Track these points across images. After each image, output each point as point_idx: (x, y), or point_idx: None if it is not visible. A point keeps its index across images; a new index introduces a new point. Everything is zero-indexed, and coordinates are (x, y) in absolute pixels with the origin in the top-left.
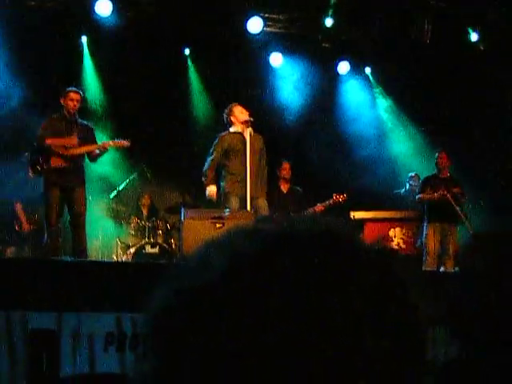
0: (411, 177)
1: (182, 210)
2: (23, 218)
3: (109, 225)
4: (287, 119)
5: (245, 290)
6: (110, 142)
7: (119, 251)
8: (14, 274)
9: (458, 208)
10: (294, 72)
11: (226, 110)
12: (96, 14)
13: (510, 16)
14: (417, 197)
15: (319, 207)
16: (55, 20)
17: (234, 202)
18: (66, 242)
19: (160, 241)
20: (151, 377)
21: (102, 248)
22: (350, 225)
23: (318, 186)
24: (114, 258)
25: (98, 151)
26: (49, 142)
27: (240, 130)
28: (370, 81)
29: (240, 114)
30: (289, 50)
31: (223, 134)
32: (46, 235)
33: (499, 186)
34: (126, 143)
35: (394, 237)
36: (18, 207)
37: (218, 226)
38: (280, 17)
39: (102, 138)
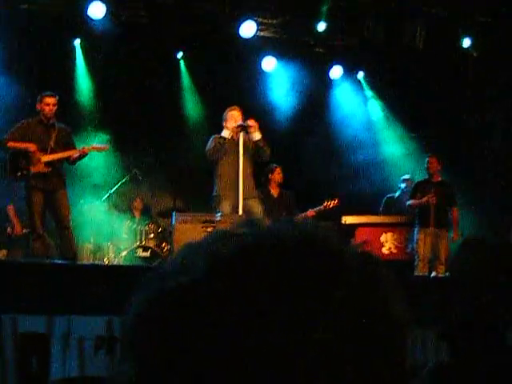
0: (404, 180)
1: (174, 214)
2: (16, 221)
3: (100, 228)
4: (280, 123)
5: (222, 293)
6: (90, 147)
7: (111, 254)
8: (4, 277)
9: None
10: (287, 76)
11: (224, 114)
12: (89, 17)
13: (501, 21)
14: (407, 203)
15: (311, 212)
16: (48, 23)
17: (226, 206)
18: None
19: (152, 244)
20: (131, 381)
21: (94, 251)
22: (333, 229)
23: (309, 191)
24: (106, 261)
25: (77, 155)
26: (11, 144)
27: (227, 136)
28: (362, 85)
29: (232, 119)
30: (281, 54)
31: (217, 135)
32: (31, 240)
33: (490, 191)
34: (105, 147)
35: (386, 242)
36: (11, 210)
37: (209, 229)
38: (273, 21)
39: (92, 142)
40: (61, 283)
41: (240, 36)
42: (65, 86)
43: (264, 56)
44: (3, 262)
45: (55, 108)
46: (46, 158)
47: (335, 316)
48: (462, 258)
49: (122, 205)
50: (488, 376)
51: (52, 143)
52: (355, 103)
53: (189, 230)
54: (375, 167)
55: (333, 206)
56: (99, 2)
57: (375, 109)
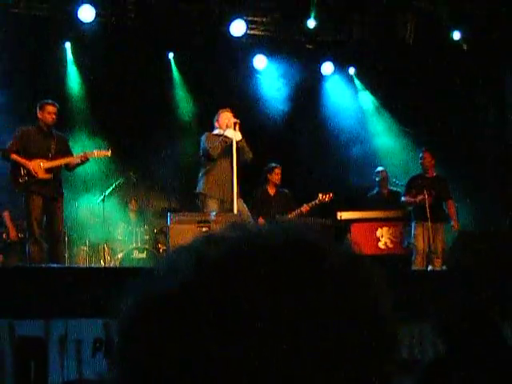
0: (377, 172)
1: (169, 214)
2: (11, 227)
3: (96, 230)
4: (272, 121)
5: (210, 297)
6: (94, 153)
7: (107, 257)
8: (1, 282)
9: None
10: (278, 74)
11: (215, 116)
12: (79, 20)
13: (492, 14)
14: (401, 200)
15: (305, 207)
16: (38, 26)
17: (213, 205)
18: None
19: (147, 246)
20: None
21: (90, 254)
22: (323, 229)
23: (303, 187)
24: (102, 263)
25: (79, 161)
26: (13, 157)
27: (230, 135)
28: (354, 81)
29: (225, 119)
30: (272, 52)
31: (210, 133)
32: (28, 244)
33: (485, 184)
34: (107, 153)
35: (382, 236)
36: (6, 215)
37: (204, 229)
38: (263, 19)
39: (86, 145)
40: (57, 287)
41: (230, 35)
42: (55, 89)
43: (255, 54)
44: None
45: (56, 116)
46: (47, 165)
47: (321, 318)
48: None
49: (117, 207)
50: (485, 371)
51: (52, 150)
52: (347, 99)
53: (184, 230)
54: (369, 161)
55: (328, 200)
56: (88, 5)
57: (367, 104)
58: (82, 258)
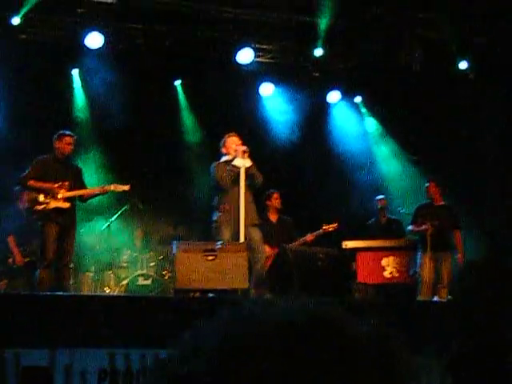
0: (377, 200)
1: (174, 243)
2: (16, 252)
3: (101, 257)
4: (278, 148)
5: (235, 378)
6: (111, 187)
7: (112, 283)
8: (6, 310)
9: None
10: (285, 101)
11: (221, 141)
12: (87, 47)
13: (498, 44)
14: (407, 228)
15: (309, 237)
16: (46, 53)
17: (227, 233)
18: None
19: (153, 272)
20: None
21: (95, 280)
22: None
23: (309, 213)
24: (107, 290)
25: (96, 193)
26: (31, 184)
27: (239, 164)
28: (360, 109)
29: (231, 145)
30: (279, 79)
31: (218, 162)
32: (38, 270)
33: (492, 213)
34: (125, 187)
35: (387, 266)
36: (11, 241)
37: (209, 258)
38: (270, 47)
39: (92, 173)
40: (62, 315)
41: (238, 62)
42: (63, 115)
43: (262, 81)
44: (4, 294)
45: (73, 147)
46: (66, 194)
47: None
48: (464, 282)
49: (122, 233)
50: None
51: (70, 180)
52: (353, 126)
53: (190, 259)
54: (375, 189)
55: (332, 230)
56: (97, 32)
57: (373, 131)
58: (87, 284)
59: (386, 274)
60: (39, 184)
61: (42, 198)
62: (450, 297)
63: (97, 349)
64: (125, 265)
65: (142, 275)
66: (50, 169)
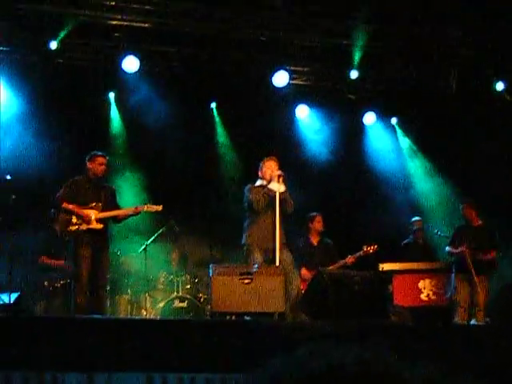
0: (413, 222)
1: (210, 266)
2: (57, 263)
3: (137, 279)
4: (314, 170)
5: None
6: (144, 207)
7: (148, 306)
8: (44, 333)
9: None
10: (321, 124)
11: (260, 164)
12: (123, 71)
13: None
14: (446, 249)
15: (350, 259)
16: (83, 76)
17: (257, 256)
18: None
19: (189, 295)
20: None
21: (131, 303)
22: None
23: (345, 235)
24: (143, 312)
25: (129, 213)
26: (64, 206)
27: (275, 188)
28: (396, 131)
29: (268, 170)
30: (315, 101)
31: (254, 185)
32: (74, 296)
33: None
34: (158, 208)
35: (424, 288)
36: (46, 259)
37: (246, 281)
38: (306, 69)
39: (128, 194)
40: (100, 339)
41: (273, 85)
42: (100, 138)
43: (297, 103)
44: (42, 317)
45: (106, 168)
46: (99, 215)
47: None
48: (502, 304)
49: (159, 256)
50: None
51: (103, 201)
52: (390, 149)
53: (226, 282)
54: (411, 211)
55: (372, 251)
56: (132, 56)
57: (409, 153)
58: (123, 307)
59: (423, 296)
60: (72, 207)
61: (74, 219)
62: (487, 319)
63: (134, 373)
64: (161, 287)
65: (178, 298)
66: (83, 190)
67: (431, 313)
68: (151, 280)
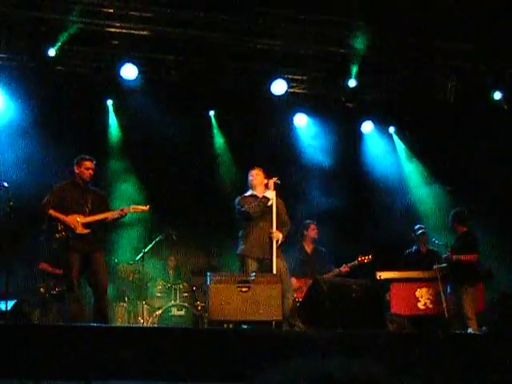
0: (417, 230)
1: (208, 274)
2: (54, 270)
3: (134, 287)
4: (312, 178)
5: None
6: (130, 208)
7: (145, 314)
8: (38, 341)
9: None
10: (319, 132)
11: (249, 174)
12: (121, 78)
13: None
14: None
15: (345, 268)
16: (81, 84)
17: (253, 265)
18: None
19: (186, 303)
20: None
21: (129, 311)
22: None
23: (343, 244)
24: (140, 320)
25: (116, 216)
26: (50, 213)
27: (256, 193)
28: (393, 139)
29: (257, 177)
30: (313, 110)
31: (244, 195)
32: (67, 301)
33: None
34: (144, 208)
35: (421, 297)
36: (45, 265)
37: (243, 289)
38: (304, 78)
39: (126, 201)
40: (97, 347)
41: (271, 93)
42: (98, 146)
43: (295, 112)
44: (38, 325)
45: (93, 172)
46: (84, 220)
47: None
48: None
49: (156, 264)
50: None
51: (89, 205)
52: (387, 157)
53: (223, 291)
54: (408, 219)
55: (367, 261)
56: (131, 64)
57: (407, 162)
58: (120, 314)
59: (420, 305)
60: (57, 214)
61: (60, 226)
62: (484, 328)
63: (131, 381)
64: (158, 295)
65: (176, 306)
66: (69, 195)
67: (428, 321)
68: (148, 288)
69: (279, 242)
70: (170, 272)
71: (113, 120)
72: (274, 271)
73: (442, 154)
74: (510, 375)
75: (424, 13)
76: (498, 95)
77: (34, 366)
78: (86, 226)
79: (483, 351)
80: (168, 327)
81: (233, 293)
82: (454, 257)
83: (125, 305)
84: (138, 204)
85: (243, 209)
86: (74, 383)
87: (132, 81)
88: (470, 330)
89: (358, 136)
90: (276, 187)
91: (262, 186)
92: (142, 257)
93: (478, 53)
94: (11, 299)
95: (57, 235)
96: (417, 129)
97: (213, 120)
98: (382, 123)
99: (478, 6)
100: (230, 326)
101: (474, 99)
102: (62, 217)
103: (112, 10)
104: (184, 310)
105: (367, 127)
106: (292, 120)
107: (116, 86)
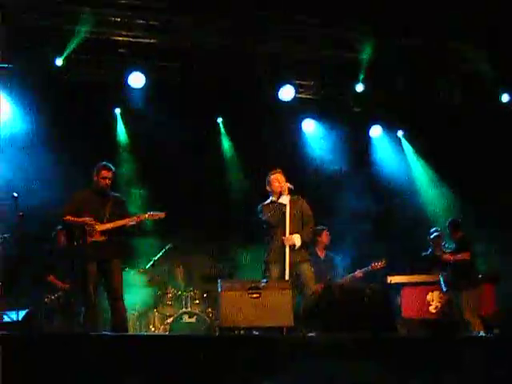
0: (432, 233)
1: (219, 281)
2: (62, 284)
3: (145, 295)
4: (321, 183)
5: None
6: (146, 215)
7: (157, 322)
8: (52, 350)
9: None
10: (327, 137)
11: (266, 179)
12: (129, 86)
13: None
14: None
15: (358, 274)
16: (89, 92)
17: (275, 271)
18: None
19: (197, 310)
20: None
21: (140, 319)
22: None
23: (355, 249)
24: (152, 328)
25: (133, 223)
26: (66, 219)
27: (275, 199)
28: (402, 143)
29: (275, 183)
30: (321, 115)
31: (264, 203)
32: (83, 311)
33: None
34: (161, 215)
35: (432, 301)
36: (52, 279)
37: (254, 296)
38: (311, 83)
39: (135, 208)
40: (108, 355)
41: (279, 99)
42: (106, 154)
43: (304, 117)
44: (50, 335)
45: (111, 181)
46: (101, 227)
47: None
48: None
49: (166, 271)
50: None
51: (107, 213)
52: (396, 161)
53: (234, 297)
54: (419, 224)
55: (380, 267)
56: (138, 72)
57: (416, 166)
58: (131, 322)
59: (432, 308)
60: (74, 219)
61: (77, 233)
62: (496, 331)
63: None
64: (169, 303)
65: (187, 313)
66: (87, 202)
67: (440, 325)
68: (159, 296)
69: (297, 246)
70: (181, 279)
71: (121, 128)
72: (287, 277)
73: (450, 157)
74: None
75: (431, 15)
76: (505, 98)
77: (47, 376)
78: (102, 233)
79: (494, 354)
80: (179, 335)
81: (244, 299)
82: (444, 256)
83: (136, 313)
84: (153, 211)
85: (264, 218)
86: None
87: (139, 89)
88: (481, 333)
89: (367, 140)
90: (290, 192)
91: (282, 190)
92: (153, 265)
93: (485, 55)
94: (22, 309)
95: (74, 243)
96: (425, 133)
97: (221, 126)
98: (390, 127)
99: (486, 7)
100: (242, 332)
101: (481, 102)
102: (78, 220)
103: (119, 19)
104: (195, 317)
105: (376, 131)
106: (300, 125)
107: (124, 95)
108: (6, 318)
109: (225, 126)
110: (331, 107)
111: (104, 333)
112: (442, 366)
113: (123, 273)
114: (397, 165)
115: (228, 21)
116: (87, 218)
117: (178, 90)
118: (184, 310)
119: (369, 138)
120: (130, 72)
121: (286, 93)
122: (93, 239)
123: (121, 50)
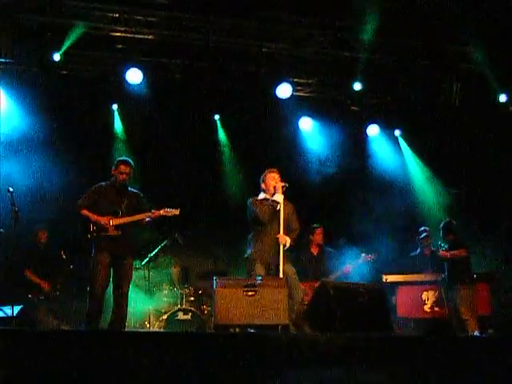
0: (421, 232)
1: (214, 278)
2: (39, 281)
3: (141, 292)
4: (318, 181)
5: None
6: (161, 211)
7: (152, 318)
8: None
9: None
10: (324, 135)
11: (261, 176)
12: (127, 82)
13: None
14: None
15: (348, 268)
16: (86, 88)
17: (260, 269)
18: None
19: (192, 307)
20: None
21: (135, 315)
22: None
23: (349, 246)
24: (147, 324)
25: (148, 219)
26: (83, 213)
27: (269, 197)
28: (399, 142)
29: (271, 181)
30: (318, 113)
31: (257, 198)
32: (88, 302)
33: None
34: (176, 212)
35: (427, 300)
36: (29, 273)
37: (250, 293)
38: (309, 81)
39: None
40: (102, 351)
41: (277, 97)
42: (103, 149)
43: (301, 115)
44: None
45: (128, 177)
46: (115, 222)
47: None
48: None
49: (162, 268)
50: None
51: (123, 207)
52: (393, 159)
53: (230, 295)
54: (413, 222)
55: (370, 260)
56: (136, 68)
57: (413, 165)
58: (127, 319)
59: (427, 308)
60: (89, 214)
61: (91, 227)
62: (490, 331)
63: None
64: (165, 299)
65: (182, 310)
66: (105, 196)
67: (435, 324)
68: (155, 292)
69: (287, 247)
70: (176, 276)
71: (118, 124)
72: (281, 275)
73: (447, 156)
74: None
75: (429, 15)
76: (503, 98)
77: (40, 372)
78: (117, 227)
79: (489, 354)
80: (174, 332)
81: (239, 297)
82: (442, 252)
83: (131, 309)
84: (169, 208)
85: (254, 212)
86: None
87: (137, 85)
88: (476, 333)
89: (364, 139)
90: (284, 191)
91: (274, 188)
92: (148, 261)
93: (483, 55)
94: (17, 304)
95: (88, 236)
96: (422, 132)
97: (218, 124)
98: (387, 126)
99: (484, 8)
100: (237, 330)
101: (479, 102)
102: (94, 217)
103: (117, 15)
104: (190, 314)
105: (373, 130)
106: (297, 123)
107: (121, 91)
108: (0, 314)
109: (222, 123)
110: (329, 106)
111: (99, 329)
112: (435, 365)
113: None
114: (394, 164)
115: (227, 19)
116: (102, 219)
117: (176, 86)
118: (179, 306)
119: (366, 136)
120: (128, 68)
121: (284, 91)
122: (107, 234)
123: (118, 46)
